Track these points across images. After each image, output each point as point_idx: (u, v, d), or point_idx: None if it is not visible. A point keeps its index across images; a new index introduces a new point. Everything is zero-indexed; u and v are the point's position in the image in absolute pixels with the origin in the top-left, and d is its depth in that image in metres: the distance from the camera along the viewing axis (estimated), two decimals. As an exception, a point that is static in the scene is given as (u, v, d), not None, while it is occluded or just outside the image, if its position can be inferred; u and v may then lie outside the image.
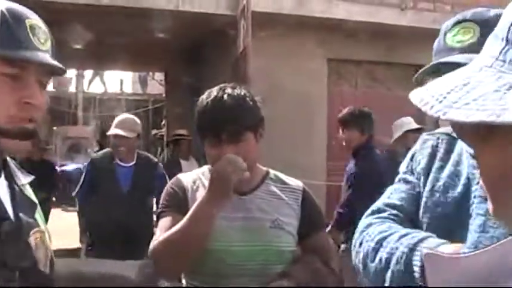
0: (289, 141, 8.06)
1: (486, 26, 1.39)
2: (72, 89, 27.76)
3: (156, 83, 23.86)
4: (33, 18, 1.34)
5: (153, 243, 2.01)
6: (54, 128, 22.32)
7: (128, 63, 14.89)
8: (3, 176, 1.36)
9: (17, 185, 1.40)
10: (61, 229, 9.25)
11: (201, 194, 2.04)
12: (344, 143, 5.19)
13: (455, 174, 1.58)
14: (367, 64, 9.33)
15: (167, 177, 4.59)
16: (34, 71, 1.32)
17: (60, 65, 1.37)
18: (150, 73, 25.30)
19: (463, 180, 1.55)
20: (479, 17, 1.45)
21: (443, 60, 1.49)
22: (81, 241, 5.23)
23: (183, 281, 2.20)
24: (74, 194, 5.24)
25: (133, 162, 5.07)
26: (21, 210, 1.35)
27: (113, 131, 5.03)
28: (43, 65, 1.32)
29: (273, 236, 2.07)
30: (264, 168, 2.26)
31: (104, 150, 5.42)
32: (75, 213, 5.42)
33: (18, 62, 1.28)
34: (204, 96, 2.09)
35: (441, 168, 1.63)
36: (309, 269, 2.07)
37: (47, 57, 1.33)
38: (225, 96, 2.04)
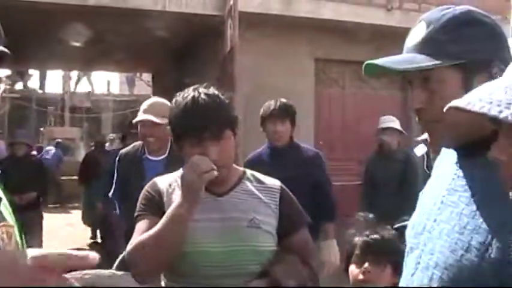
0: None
1: (432, 26, 1.38)
2: (59, 90, 27.64)
3: (144, 84, 23.80)
4: None
5: (129, 246, 2.02)
6: (41, 129, 22.21)
7: (115, 63, 14.85)
8: None
9: None
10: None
11: (176, 196, 2.06)
12: None
13: None
14: (355, 64, 9.32)
15: None
16: None
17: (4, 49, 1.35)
18: (138, 74, 25.24)
19: None
20: (429, 17, 1.41)
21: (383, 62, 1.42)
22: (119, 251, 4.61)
23: (162, 283, 2.19)
24: (110, 195, 4.42)
25: (165, 155, 4.17)
26: None
27: (141, 116, 4.16)
28: None
29: (250, 236, 2.07)
30: (241, 168, 2.28)
31: (135, 143, 4.55)
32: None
33: None
34: (179, 98, 2.09)
35: None
36: (288, 269, 2.06)
37: None
38: (202, 95, 2.06)
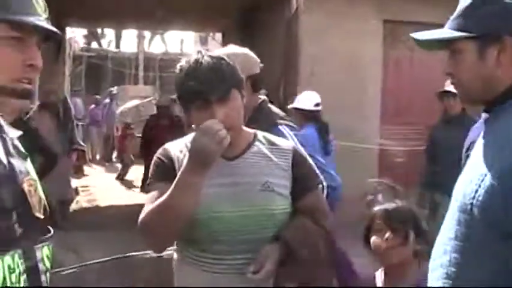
0: (341, 106, 7.93)
1: (463, 3, 1.68)
2: (133, 49, 28.09)
3: (216, 43, 23.86)
4: None
5: (141, 215, 2.01)
6: (115, 87, 22.73)
7: (186, 23, 14.95)
8: None
9: (7, 136, 1.48)
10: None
11: None
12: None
13: None
14: (425, 26, 8.98)
15: None
16: (35, 35, 1.41)
17: (58, 32, 1.45)
18: (211, 34, 25.31)
19: None
20: None
21: None
22: None
23: (174, 253, 2.19)
24: None
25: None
26: (13, 158, 1.43)
27: None
28: (44, 30, 1.41)
29: (264, 199, 2.05)
30: (252, 131, 2.22)
31: None
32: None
33: (24, 26, 1.37)
34: (182, 63, 2.07)
35: None
36: (301, 233, 2.04)
37: (49, 24, 1.42)
38: (206, 57, 2.03)
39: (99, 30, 26.98)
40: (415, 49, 8.98)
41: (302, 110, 5.91)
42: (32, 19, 1.38)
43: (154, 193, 2.05)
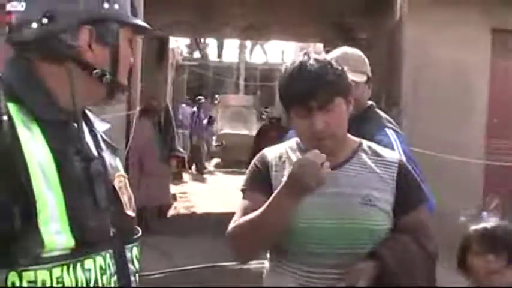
0: (445, 117, 7.65)
1: None
2: (235, 59, 28.48)
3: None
4: None
5: (231, 225, 1.98)
6: (217, 95, 23.08)
7: (288, 33, 14.99)
8: (83, 122, 1.43)
9: (97, 132, 1.49)
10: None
11: (287, 171, 1.95)
12: None
13: None
14: (536, 35, 8.55)
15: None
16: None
17: (148, 27, 1.53)
18: (312, 44, 25.29)
19: None
20: None
21: None
22: None
23: (266, 262, 2.13)
24: None
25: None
26: (104, 153, 1.44)
27: None
28: (150, 32, 1.56)
29: (363, 213, 1.93)
30: (357, 139, 2.10)
31: None
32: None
33: (135, 27, 1.49)
34: (288, 64, 1.98)
35: None
36: (400, 250, 1.89)
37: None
38: (311, 61, 1.91)
39: (201, 40, 27.51)
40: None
41: None
42: (141, 21, 1.50)
43: (246, 203, 2.02)
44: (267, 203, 1.86)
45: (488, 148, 8.22)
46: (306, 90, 1.89)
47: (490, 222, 2.25)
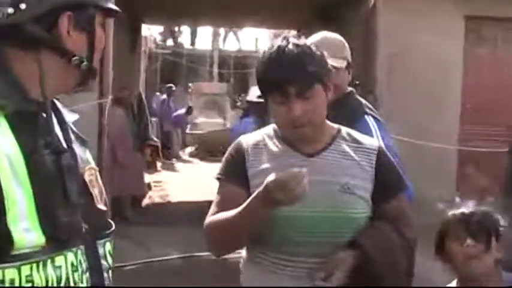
0: (419, 104, 7.69)
1: None
2: (208, 46, 28.34)
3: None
4: None
5: (207, 219, 1.96)
6: (190, 84, 22.94)
7: (261, 20, 14.93)
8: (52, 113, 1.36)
9: (66, 123, 1.42)
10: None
11: (264, 158, 1.93)
12: None
13: None
14: (509, 22, 8.60)
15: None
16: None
17: (119, 10, 1.48)
18: (286, 31, 25.27)
19: None
20: None
21: None
22: None
23: (243, 251, 2.10)
24: None
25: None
26: (74, 145, 1.38)
27: None
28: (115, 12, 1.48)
29: (342, 201, 1.89)
30: (336, 126, 2.04)
31: None
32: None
33: (107, 11, 1.43)
34: (266, 49, 1.91)
35: None
36: (379, 240, 1.87)
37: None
38: (290, 45, 1.85)
39: (175, 28, 27.32)
40: (497, 46, 8.67)
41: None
42: (110, 3, 1.44)
43: (222, 195, 2.00)
44: (242, 206, 1.82)
45: (462, 134, 8.29)
46: (284, 76, 1.84)
47: (468, 207, 2.24)
